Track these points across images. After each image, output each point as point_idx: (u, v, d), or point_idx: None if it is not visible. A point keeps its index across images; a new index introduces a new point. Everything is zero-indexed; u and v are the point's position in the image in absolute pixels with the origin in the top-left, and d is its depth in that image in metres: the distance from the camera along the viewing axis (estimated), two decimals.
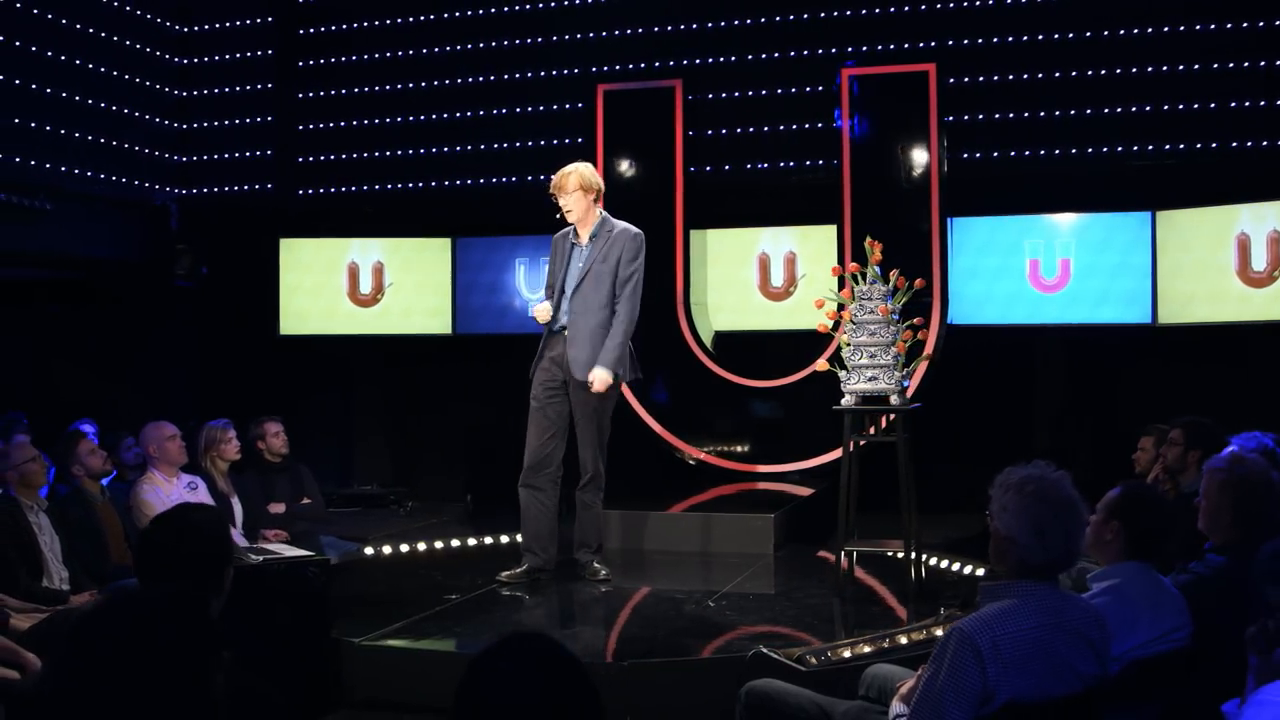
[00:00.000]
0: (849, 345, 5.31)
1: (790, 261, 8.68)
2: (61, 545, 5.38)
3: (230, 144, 9.88)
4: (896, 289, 5.35)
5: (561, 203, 5.87)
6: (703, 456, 8.26)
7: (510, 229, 9.13)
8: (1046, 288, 8.14)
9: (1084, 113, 8.05)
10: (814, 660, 3.94)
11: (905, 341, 5.23)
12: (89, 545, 5.60)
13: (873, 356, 5.21)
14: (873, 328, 5.22)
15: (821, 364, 5.45)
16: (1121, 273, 7.93)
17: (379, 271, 9.50)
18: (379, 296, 9.50)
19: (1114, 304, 7.96)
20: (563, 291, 5.87)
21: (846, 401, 5.31)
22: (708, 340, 8.65)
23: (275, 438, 7.16)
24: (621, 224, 5.93)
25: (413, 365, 9.69)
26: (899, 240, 7.98)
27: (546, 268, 6.17)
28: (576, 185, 5.82)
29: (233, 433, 6.84)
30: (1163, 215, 7.82)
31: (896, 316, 5.33)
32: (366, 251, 9.50)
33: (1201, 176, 7.76)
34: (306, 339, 9.43)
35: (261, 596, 4.31)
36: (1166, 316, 7.78)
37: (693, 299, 8.61)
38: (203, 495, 6.39)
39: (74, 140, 8.84)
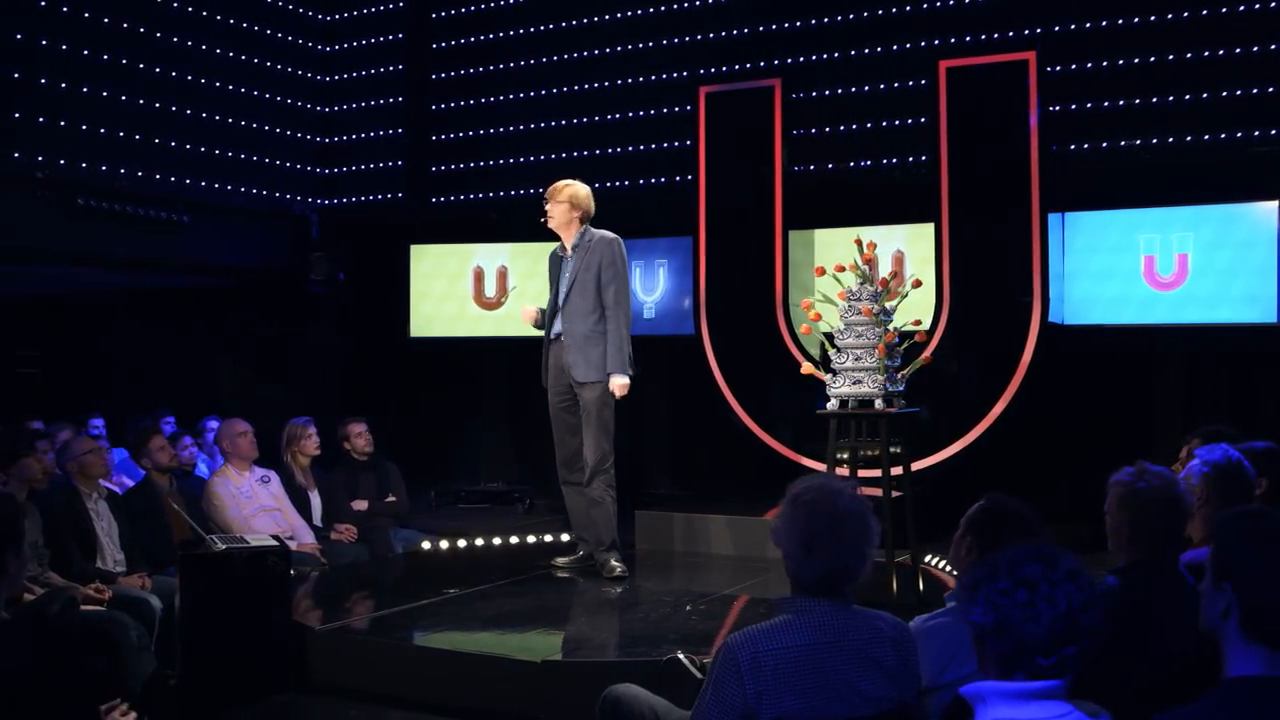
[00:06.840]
0: (835, 348, 5.14)
1: (899, 260, 8.43)
2: (121, 531, 5.88)
3: (365, 156, 10.45)
4: (881, 289, 5.13)
5: (548, 208, 6.21)
6: (800, 459, 8.12)
7: (624, 233, 9.24)
8: (1162, 285, 7.58)
9: (1200, 96, 7.48)
10: None
11: (886, 344, 5.00)
12: (151, 532, 6.10)
13: (858, 359, 5.02)
14: (860, 329, 5.02)
15: (807, 367, 5.29)
16: (1243, 269, 7.31)
17: (503, 275, 9.82)
18: (503, 300, 9.81)
19: (1235, 303, 7.34)
20: (557, 303, 6.18)
21: (831, 406, 5.13)
22: (816, 342, 8.50)
23: (359, 438, 7.50)
24: (600, 232, 6.19)
25: (534, 366, 9.92)
26: (999, 237, 7.66)
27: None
28: (566, 197, 6.18)
29: (313, 430, 7.25)
30: None
31: (888, 318, 5.11)
32: (491, 256, 9.83)
33: None
34: (435, 341, 9.85)
35: (224, 582, 4.61)
36: None
37: (797, 300, 8.48)
38: (275, 488, 6.83)
39: (217, 157, 9.59)
